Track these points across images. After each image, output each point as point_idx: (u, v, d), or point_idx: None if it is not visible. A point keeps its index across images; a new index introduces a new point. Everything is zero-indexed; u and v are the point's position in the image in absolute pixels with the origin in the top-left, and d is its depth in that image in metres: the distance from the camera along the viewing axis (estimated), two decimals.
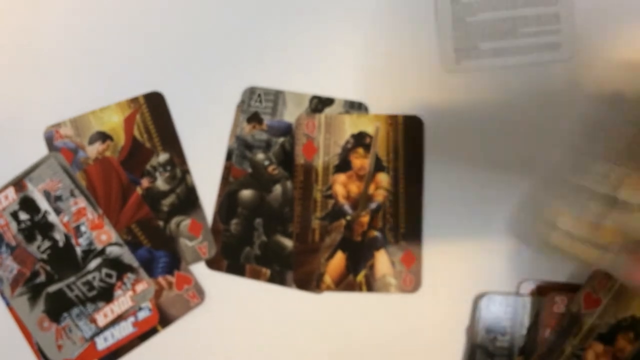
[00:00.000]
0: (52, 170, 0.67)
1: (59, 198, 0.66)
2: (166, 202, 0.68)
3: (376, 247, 0.67)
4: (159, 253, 0.67)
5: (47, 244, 0.66)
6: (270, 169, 0.68)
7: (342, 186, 0.67)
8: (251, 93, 0.68)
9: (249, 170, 0.68)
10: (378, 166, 0.67)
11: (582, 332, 0.60)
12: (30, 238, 0.66)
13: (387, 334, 0.67)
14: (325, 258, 0.67)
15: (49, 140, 0.68)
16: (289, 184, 0.67)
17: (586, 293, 0.61)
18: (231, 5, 0.69)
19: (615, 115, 0.64)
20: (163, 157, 0.68)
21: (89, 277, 0.66)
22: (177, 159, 0.68)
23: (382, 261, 0.66)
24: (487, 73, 0.67)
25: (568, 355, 0.61)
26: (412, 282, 0.66)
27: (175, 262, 0.67)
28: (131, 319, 0.67)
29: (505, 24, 0.66)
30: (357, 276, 0.67)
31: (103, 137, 0.68)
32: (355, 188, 0.67)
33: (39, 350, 0.66)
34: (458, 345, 0.67)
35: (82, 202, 0.66)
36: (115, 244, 0.66)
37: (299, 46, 0.68)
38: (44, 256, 0.66)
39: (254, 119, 0.68)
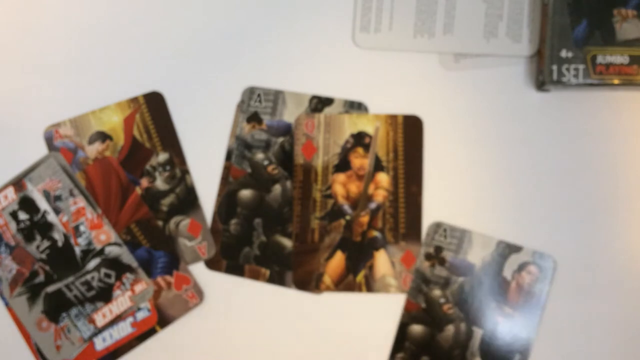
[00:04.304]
0: (52, 170, 0.67)
1: (58, 198, 0.66)
2: (165, 202, 0.67)
3: (376, 247, 0.66)
4: (158, 253, 0.67)
5: (46, 243, 0.66)
6: (269, 168, 0.67)
7: (342, 186, 0.67)
8: (251, 93, 0.68)
9: (249, 170, 0.67)
10: (378, 166, 0.67)
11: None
12: (29, 238, 0.66)
13: (386, 334, 0.66)
14: (325, 258, 0.66)
15: (49, 140, 0.68)
16: (288, 183, 0.67)
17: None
18: (231, 5, 0.69)
19: None
20: (162, 157, 0.68)
21: (88, 277, 0.66)
22: (177, 158, 0.68)
23: (382, 261, 0.66)
24: (487, 73, 0.67)
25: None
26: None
27: (174, 262, 0.67)
28: (130, 319, 0.66)
29: None
30: (356, 276, 0.66)
31: (103, 137, 0.68)
32: (354, 188, 0.67)
33: (37, 351, 0.66)
34: None
35: (81, 202, 0.66)
36: (114, 244, 0.66)
37: (299, 46, 0.68)
38: (43, 256, 0.66)
39: (254, 118, 0.68)
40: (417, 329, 0.65)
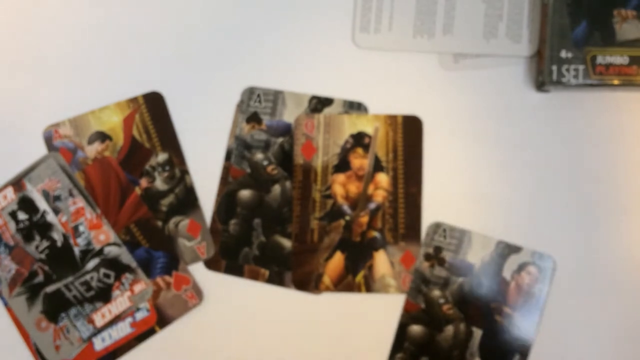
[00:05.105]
0: (51, 170, 0.67)
1: (57, 198, 0.66)
2: (165, 202, 0.67)
3: (375, 247, 0.66)
4: (157, 253, 0.67)
5: (45, 243, 0.66)
6: (269, 169, 0.67)
7: (341, 186, 0.67)
8: (250, 93, 0.68)
9: (248, 170, 0.67)
10: (377, 166, 0.67)
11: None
12: (28, 238, 0.66)
13: (386, 334, 0.66)
14: (324, 258, 0.66)
15: (48, 140, 0.68)
16: (288, 184, 0.67)
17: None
18: (231, 5, 0.69)
19: None
20: (162, 157, 0.68)
21: (87, 277, 0.66)
22: (176, 158, 0.68)
23: (381, 262, 0.66)
24: (487, 73, 0.67)
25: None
26: None
27: (173, 263, 0.67)
28: (129, 320, 0.66)
29: None
30: (356, 277, 0.66)
31: (102, 137, 0.68)
32: (354, 188, 0.67)
33: (36, 351, 0.66)
34: None
35: (80, 202, 0.66)
36: (114, 244, 0.66)
37: (299, 46, 0.68)
38: (42, 256, 0.66)
39: (253, 119, 0.68)
40: (416, 329, 0.65)
